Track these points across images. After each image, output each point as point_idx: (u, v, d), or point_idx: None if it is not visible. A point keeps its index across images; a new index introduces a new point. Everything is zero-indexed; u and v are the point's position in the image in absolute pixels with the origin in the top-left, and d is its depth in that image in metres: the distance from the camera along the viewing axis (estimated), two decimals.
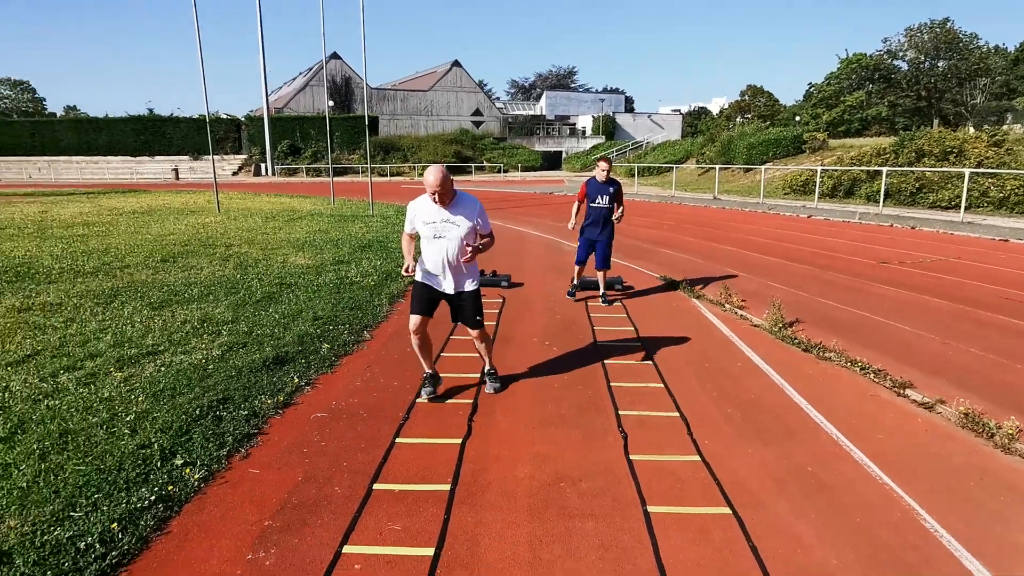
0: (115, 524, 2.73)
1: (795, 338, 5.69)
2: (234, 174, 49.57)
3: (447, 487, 3.19)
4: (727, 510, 2.99)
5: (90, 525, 2.71)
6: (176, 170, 47.91)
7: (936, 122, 50.68)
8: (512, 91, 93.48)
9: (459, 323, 4.40)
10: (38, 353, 4.90)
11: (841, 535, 2.78)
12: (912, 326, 6.17)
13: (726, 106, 79.23)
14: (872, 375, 4.75)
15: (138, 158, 52.09)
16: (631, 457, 3.52)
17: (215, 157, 52.91)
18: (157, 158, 52.08)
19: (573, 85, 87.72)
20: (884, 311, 6.74)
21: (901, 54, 54.13)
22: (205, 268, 8.57)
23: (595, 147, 57.86)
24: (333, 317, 6.14)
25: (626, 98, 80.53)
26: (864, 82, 55.89)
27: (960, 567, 2.58)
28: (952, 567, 2.58)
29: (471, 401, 4.30)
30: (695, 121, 75.29)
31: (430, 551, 2.67)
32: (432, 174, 3.81)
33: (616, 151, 53.39)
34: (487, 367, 4.55)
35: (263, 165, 50.15)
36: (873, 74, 54.94)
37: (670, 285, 8.08)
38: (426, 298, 4.14)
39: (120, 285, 7.41)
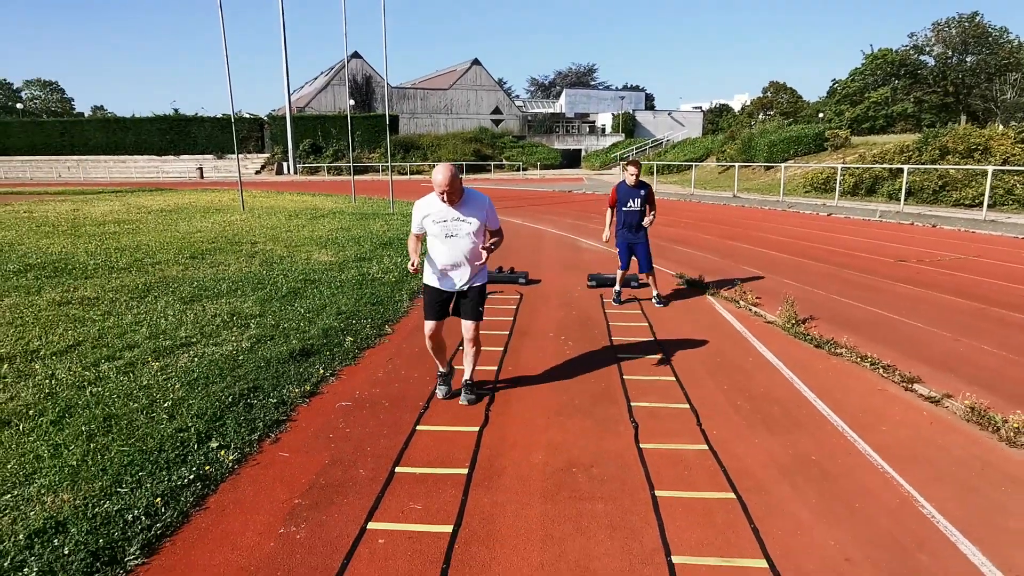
0: (158, 499, 2.95)
1: (808, 335, 5.77)
2: (257, 172, 50.38)
3: (465, 471, 3.37)
4: (731, 495, 3.13)
5: (136, 500, 2.94)
6: (201, 169, 48.81)
7: (963, 118, 49.71)
8: (532, 89, 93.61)
9: (459, 316, 4.22)
10: (79, 344, 5.18)
11: (839, 519, 2.91)
12: (926, 323, 6.21)
13: (748, 103, 78.46)
14: (881, 370, 4.84)
15: (163, 157, 53.14)
16: (641, 445, 3.67)
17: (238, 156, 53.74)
18: (182, 157, 53.08)
19: (593, 83, 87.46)
20: (899, 309, 6.78)
21: (928, 49, 53.14)
22: (232, 265, 8.86)
23: (615, 145, 57.72)
24: (356, 312, 6.36)
25: (646, 95, 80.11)
26: (889, 78, 55.09)
27: (955, 550, 2.69)
28: (947, 550, 2.69)
29: (488, 392, 4.48)
30: (716, 118, 74.64)
31: (449, 528, 2.85)
32: (441, 173, 3.74)
33: (636, 149, 53.20)
34: (467, 376, 4.33)
35: (285, 164, 50.88)
36: (899, 70, 54.14)
37: (686, 282, 8.18)
38: (438, 302, 4.14)
39: (152, 280, 7.72)
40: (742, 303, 7.01)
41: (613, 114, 64.45)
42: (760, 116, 63.71)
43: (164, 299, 6.74)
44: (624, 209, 6.85)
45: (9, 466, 3.19)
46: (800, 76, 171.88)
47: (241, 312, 6.21)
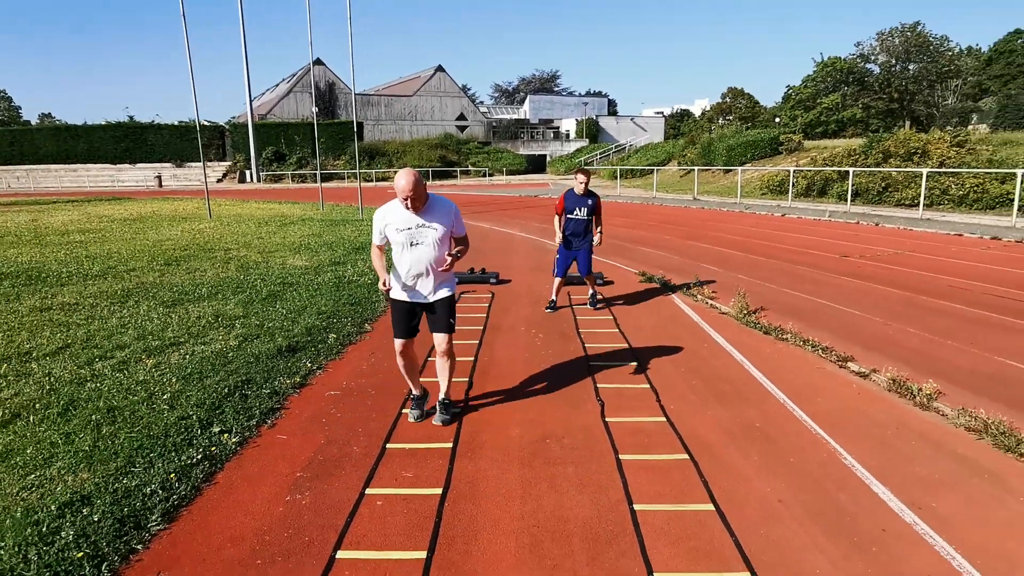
0: (172, 475, 3.25)
1: (757, 323, 6.31)
2: (218, 181, 49.57)
3: (449, 444, 3.74)
4: (685, 456, 3.58)
5: (150, 477, 3.23)
6: (159, 177, 47.85)
7: (908, 123, 52.10)
8: (496, 95, 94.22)
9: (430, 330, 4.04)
10: (69, 346, 5.37)
11: (776, 472, 3.38)
12: (862, 311, 6.83)
13: (708, 108, 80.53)
14: (820, 351, 5.38)
15: (118, 165, 51.84)
16: (607, 419, 4.10)
17: (199, 164, 52.57)
18: (139, 165, 51.88)
19: (556, 89, 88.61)
20: (839, 299, 7.40)
21: (873, 58, 55.55)
22: (209, 270, 9.03)
23: (579, 150, 58.65)
24: (336, 312, 6.65)
25: (609, 101, 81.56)
26: (839, 85, 57.26)
27: (868, 491, 3.18)
28: (862, 491, 3.18)
29: (467, 379, 4.86)
30: (678, 123, 76.31)
31: (438, 490, 3.22)
32: (403, 178, 3.55)
33: (600, 154, 54.19)
34: (441, 394, 4.12)
35: (248, 172, 50.23)
36: (847, 77, 56.34)
37: (648, 280, 8.69)
38: (407, 317, 3.95)
39: (130, 286, 7.86)
40: (699, 297, 7.54)
41: (577, 120, 65.45)
42: (719, 121, 65.51)
43: (146, 303, 6.92)
44: (569, 217, 6.83)
45: (28, 452, 3.44)
46: (758, 82, 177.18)
47: (225, 314, 6.45)
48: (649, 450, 3.66)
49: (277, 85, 69.43)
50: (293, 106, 56.78)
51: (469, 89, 79.57)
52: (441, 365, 4.06)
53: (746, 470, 3.41)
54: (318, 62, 56.39)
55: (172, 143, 52.55)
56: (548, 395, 4.53)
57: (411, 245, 3.76)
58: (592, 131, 63.84)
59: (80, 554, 2.59)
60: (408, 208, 3.65)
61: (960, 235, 12.95)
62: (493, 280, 8.59)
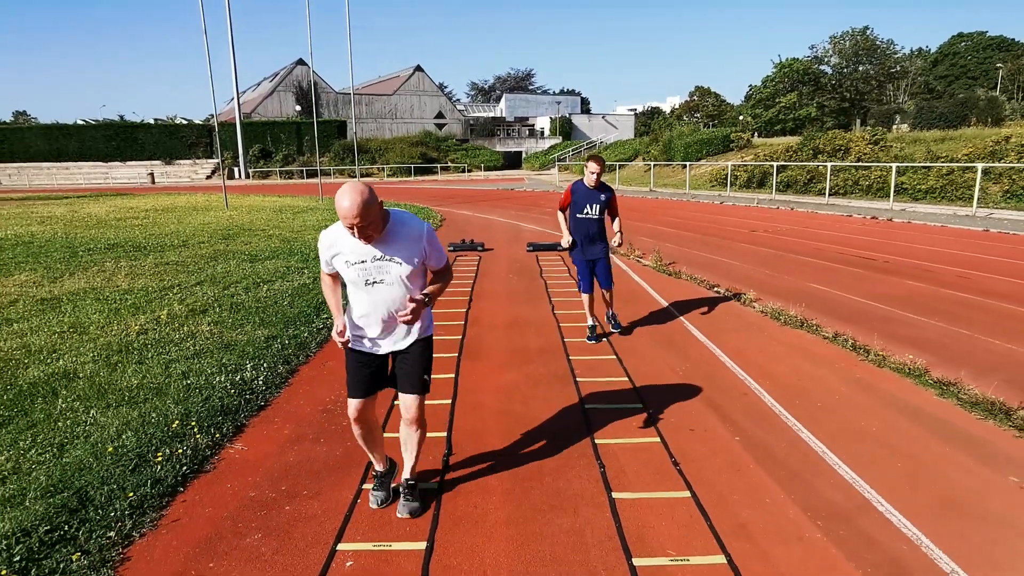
0: (314, 330, 5.95)
1: (667, 270, 9.16)
2: (208, 177, 51.51)
3: (462, 323, 6.49)
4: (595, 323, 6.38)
5: (300, 332, 5.90)
6: (152, 174, 49.63)
7: (859, 122, 55.99)
8: (472, 93, 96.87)
9: (394, 386, 3.01)
10: (202, 282, 8.00)
11: (647, 332, 6.19)
12: (742, 263, 9.73)
13: (677, 106, 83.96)
14: (698, 282, 8.25)
15: (110, 163, 53.49)
16: (556, 312, 6.89)
17: (187, 162, 54.22)
18: (129, 163, 53.61)
19: (531, 87, 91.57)
20: (733, 257, 10.31)
21: (826, 59, 59.39)
22: (259, 243, 11.64)
23: (553, 147, 61.62)
24: None
25: (582, 99, 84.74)
26: (796, 85, 61.12)
27: (691, 335, 6.01)
28: (688, 335, 6.00)
29: (467, 297, 7.60)
30: (649, 120, 79.61)
31: (457, 338, 5.97)
32: (346, 198, 2.48)
33: (572, 151, 57.15)
34: (407, 473, 3.10)
35: (236, 169, 52.21)
36: (803, 77, 60.20)
37: None
38: (366, 372, 2.92)
39: (211, 252, 10.45)
40: (631, 256, 10.39)
41: (551, 118, 68.39)
42: (684, 119, 68.86)
43: (233, 261, 9.54)
44: (578, 216, 5.74)
45: (228, 322, 6.12)
46: (726, 81, 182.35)
47: (292, 266, 9.12)
48: (578, 321, 6.46)
49: (259, 84, 71.16)
50: (277, 105, 58.80)
51: (446, 87, 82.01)
52: (407, 435, 3.05)
53: (630, 330, 6.23)
54: (300, 62, 58.50)
55: (162, 141, 54.37)
56: (520, 304, 7.30)
57: (367, 284, 2.76)
58: (565, 129, 66.84)
59: (288, 352, 5.31)
60: (357, 237, 2.61)
61: (850, 216, 16.07)
62: (480, 248, 11.34)
